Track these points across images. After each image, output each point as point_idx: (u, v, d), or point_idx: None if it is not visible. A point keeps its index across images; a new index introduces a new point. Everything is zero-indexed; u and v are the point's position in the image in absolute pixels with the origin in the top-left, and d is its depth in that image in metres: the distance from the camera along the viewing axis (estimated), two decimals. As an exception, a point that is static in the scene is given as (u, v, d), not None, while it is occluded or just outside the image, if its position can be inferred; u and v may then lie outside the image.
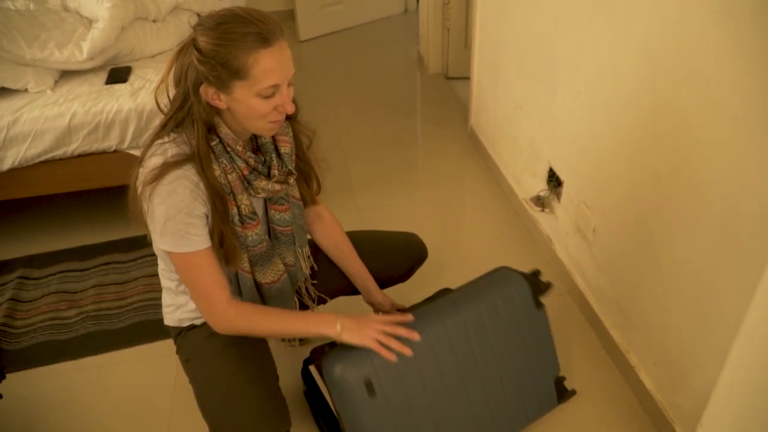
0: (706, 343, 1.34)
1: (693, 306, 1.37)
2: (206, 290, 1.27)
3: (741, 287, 1.20)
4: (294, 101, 1.28)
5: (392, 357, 1.26)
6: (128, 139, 2.18)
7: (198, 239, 1.23)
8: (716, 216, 1.25)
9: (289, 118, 1.37)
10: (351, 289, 1.67)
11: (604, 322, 1.79)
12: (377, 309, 1.64)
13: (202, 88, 1.18)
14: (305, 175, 1.47)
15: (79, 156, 2.20)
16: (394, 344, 1.26)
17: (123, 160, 2.21)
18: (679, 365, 1.45)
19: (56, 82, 2.36)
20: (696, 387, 1.38)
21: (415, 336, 1.28)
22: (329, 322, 1.28)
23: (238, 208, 1.28)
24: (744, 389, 1.04)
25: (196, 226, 1.22)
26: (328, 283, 1.61)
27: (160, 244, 1.24)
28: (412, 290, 1.78)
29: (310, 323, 1.31)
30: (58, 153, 2.16)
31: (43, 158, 2.17)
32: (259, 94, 1.17)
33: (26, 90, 2.29)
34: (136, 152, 2.19)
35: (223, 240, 1.26)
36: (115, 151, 2.21)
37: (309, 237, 1.59)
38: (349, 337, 1.27)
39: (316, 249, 1.60)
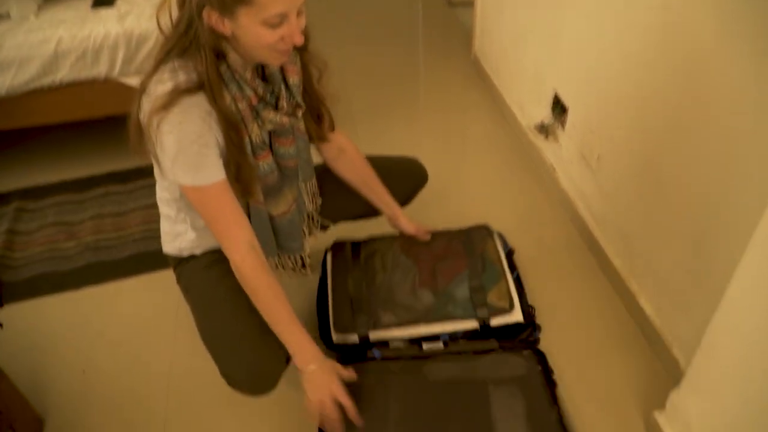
0: (708, 270, 1.32)
1: (697, 233, 1.34)
2: (226, 228, 1.22)
3: (746, 214, 1.17)
4: (305, 31, 1.21)
5: (315, 421, 1.25)
6: (118, 66, 2.11)
7: (213, 170, 1.18)
8: (724, 142, 1.21)
9: (301, 49, 1.30)
10: (354, 216, 1.68)
11: (606, 250, 1.77)
12: (404, 233, 1.66)
13: (205, 12, 1.10)
14: (313, 110, 1.41)
15: (69, 85, 2.13)
16: (332, 418, 1.23)
17: (114, 89, 2.15)
18: (680, 292, 1.44)
19: (39, 7, 2.26)
20: (696, 313, 1.38)
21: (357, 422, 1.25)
22: (306, 359, 1.24)
23: (250, 137, 1.24)
24: (744, 313, 1.03)
25: (211, 157, 1.17)
26: (331, 209, 1.61)
27: (172, 177, 1.19)
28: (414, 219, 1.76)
29: (293, 342, 1.25)
30: (46, 81, 2.10)
31: (32, 87, 2.10)
32: (266, 23, 1.09)
33: (8, 16, 2.20)
34: (127, 80, 2.13)
35: (240, 172, 1.22)
36: (105, 79, 2.14)
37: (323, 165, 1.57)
38: (306, 383, 1.24)
39: (319, 176, 1.57)
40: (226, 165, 1.20)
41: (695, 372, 1.21)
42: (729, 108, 1.18)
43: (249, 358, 1.26)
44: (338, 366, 1.29)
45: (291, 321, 1.25)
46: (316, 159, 1.56)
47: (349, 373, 1.30)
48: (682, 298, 1.43)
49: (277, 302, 1.25)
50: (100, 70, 2.11)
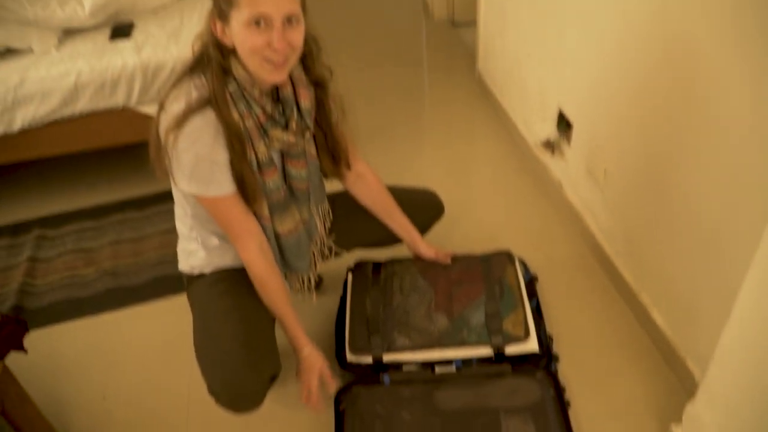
0: (719, 279, 1.34)
1: (705, 244, 1.37)
2: (235, 234, 1.34)
3: (752, 225, 1.19)
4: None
5: (305, 401, 1.40)
6: (135, 95, 2.17)
7: (223, 184, 1.27)
8: (728, 154, 1.23)
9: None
10: (369, 244, 1.71)
11: (616, 263, 1.79)
12: (423, 258, 1.69)
13: (212, 23, 1.22)
14: (331, 150, 1.47)
15: (88, 115, 2.19)
16: (314, 392, 1.40)
17: (131, 118, 2.21)
18: (690, 303, 1.46)
19: (60, 40, 2.34)
20: (708, 323, 1.39)
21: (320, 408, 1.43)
22: (301, 345, 1.41)
23: (256, 154, 1.29)
24: (756, 323, 1.04)
25: (221, 172, 1.26)
26: (345, 236, 1.63)
27: (187, 188, 1.27)
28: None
29: (292, 330, 1.41)
30: (66, 112, 2.16)
31: (53, 118, 2.17)
32: (249, 23, 1.16)
33: (31, 50, 2.27)
34: (144, 109, 2.19)
35: (243, 178, 1.28)
36: (123, 108, 2.20)
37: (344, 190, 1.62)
38: (300, 363, 1.42)
39: (333, 202, 1.61)
40: (232, 173, 1.28)
41: (709, 384, 1.21)
42: (731, 119, 1.21)
43: (231, 374, 1.29)
44: (325, 364, 1.43)
45: (290, 313, 1.41)
46: (335, 186, 1.60)
47: (332, 381, 1.44)
48: (694, 310, 1.45)
49: (280, 298, 1.40)
50: (118, 100, 2.17)
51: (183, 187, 1.28)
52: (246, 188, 1.30)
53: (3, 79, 2.11)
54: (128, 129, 2.22)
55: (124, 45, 2.25)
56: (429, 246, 1.69)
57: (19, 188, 2.56)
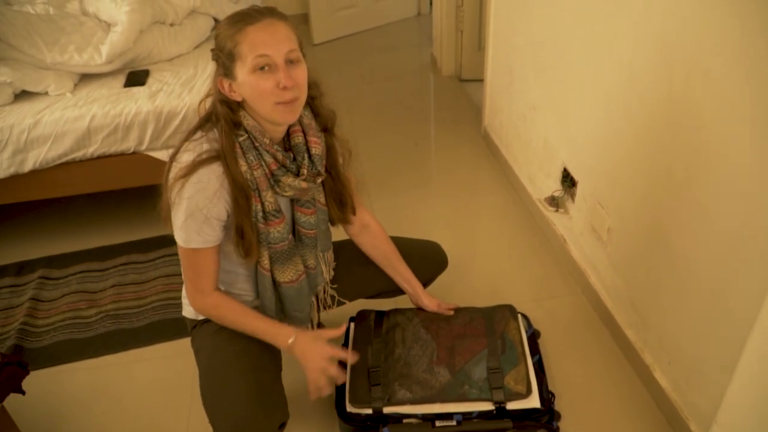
0: (721, 341, 1.34)
1: (708, 305, 1.37)
2: (194, 288, 1.37)
3: (755, 286, 1.20)
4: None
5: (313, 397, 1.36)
6: (146, 140, 2.21)
7: (208, 238, 1.29)
8: (731, 214, 1.25)
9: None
10: (372, 294, 1.71)
11: (619, 321, 1.79)
12: (425, 310, 1.70)
13: (218, 82, 1.25)
14: (336, 194, 1.48)
15: (99, 158, 2.23)
16: (336, 375, 1.37)
17: (141, 162, 2.24)
18: (693, 364, 1.45)
19: (76, 85, 2.40)
20: (711, 385, 1.38)
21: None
22: (284, 336, 1.36)
23: (263, 204, 1.31)
24: (758, 386, 1.04)
25: (211, 227, 1.28)
26: (348, 286, 1.64)
27: (175, 236, 1.30)
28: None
29: (268, 333, 1.37)
30: (78, 155, 2.20)
31: (64, 160, 2.20)
32: (254, 68, 1.20)
33: (47, 93, 2.33)
34: (155, 154, 2.23)
35: (243, 232, 1.30)
36: (133, 152, 2.24)
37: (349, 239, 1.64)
38: (300, 358, 1.35)
39: (337, 251, 1.62)
40: (231, 226, 1.30)
41: (712, 447, 1.20)
42: (735, 183, 1.23)
43: (241, 422, 1.28)
44: (319, 332, 1.41)
45: (259, 320, 1.38)
46: (339, 235, 1.61)
47: (334, 331, 1.40)
48: (698, 371, 1.44)
49: (243, 315, 1.38)
50: (130, 144, 2.21)
51: (174, 232, 1.30)
52: (243, 242, 1.31)
53: (18, 120, 2.16)
54: (138, 173, 2.25)
55: (138, 91, 2.31)
56: (431, 298, 1.69)
57: (27, 228, 2.58)
